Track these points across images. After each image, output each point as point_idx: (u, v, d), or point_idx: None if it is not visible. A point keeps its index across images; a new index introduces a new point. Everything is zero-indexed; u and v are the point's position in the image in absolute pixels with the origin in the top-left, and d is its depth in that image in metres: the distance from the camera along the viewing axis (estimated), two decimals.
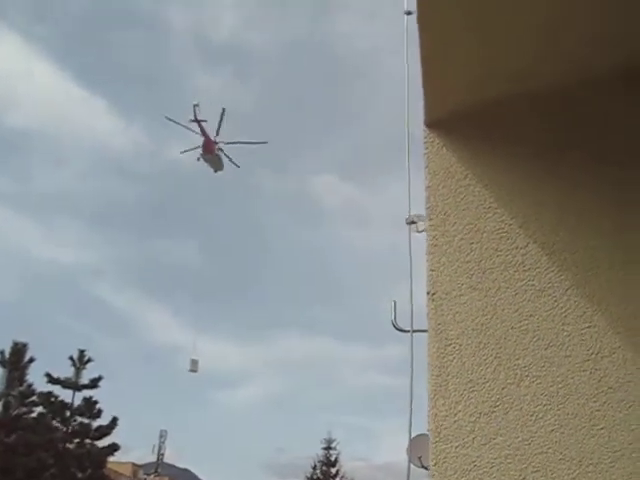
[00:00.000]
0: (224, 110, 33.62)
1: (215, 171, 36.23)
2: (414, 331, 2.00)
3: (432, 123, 2.07)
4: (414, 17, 1.79)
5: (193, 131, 33.80)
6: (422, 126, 2.09)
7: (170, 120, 34.26)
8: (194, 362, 30.78)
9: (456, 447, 1.70)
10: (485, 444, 1.69)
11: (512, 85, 2.00)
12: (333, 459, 36.60)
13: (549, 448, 1.66)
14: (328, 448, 36.61)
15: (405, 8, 2.53)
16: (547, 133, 1.96)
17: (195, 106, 33.02)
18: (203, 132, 34.06)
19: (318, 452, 36.51)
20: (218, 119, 34.23)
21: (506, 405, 1.71)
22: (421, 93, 2.03)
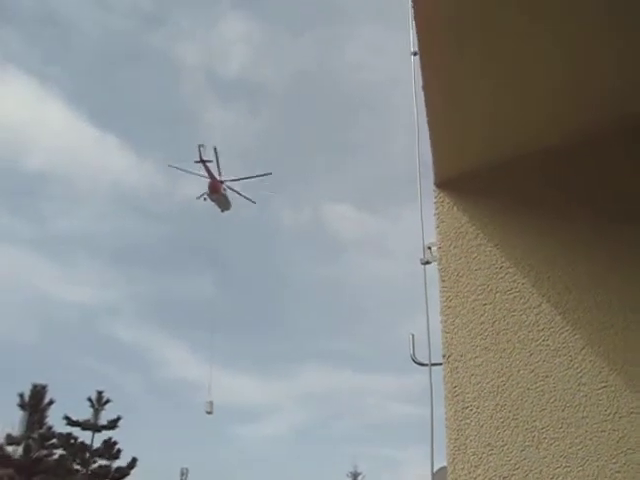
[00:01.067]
0: (216, 149, 33.79)
1: (222, 211, 36.25)
2: (432, 364, 2.02)
3: (442, 183, 2.10)
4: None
5: (200, 175, 34.05)
6: (432, 186, 2.12)
7: (174, 166, 34.63)
8: (209, 404, 30.61)
9: None
10: None
11: (521, 144, 2.03)
12: None
13: None
14: None
15: (412, 49, 2.55)
16: (557, 192, 1.98)
17: (200, 147, 33.30)
18: (208, 172, 34.23)
19: None
20: (227, 157, 34.47)
21: (525, 468, 1.70)
22: (430, 154, 2.07)
